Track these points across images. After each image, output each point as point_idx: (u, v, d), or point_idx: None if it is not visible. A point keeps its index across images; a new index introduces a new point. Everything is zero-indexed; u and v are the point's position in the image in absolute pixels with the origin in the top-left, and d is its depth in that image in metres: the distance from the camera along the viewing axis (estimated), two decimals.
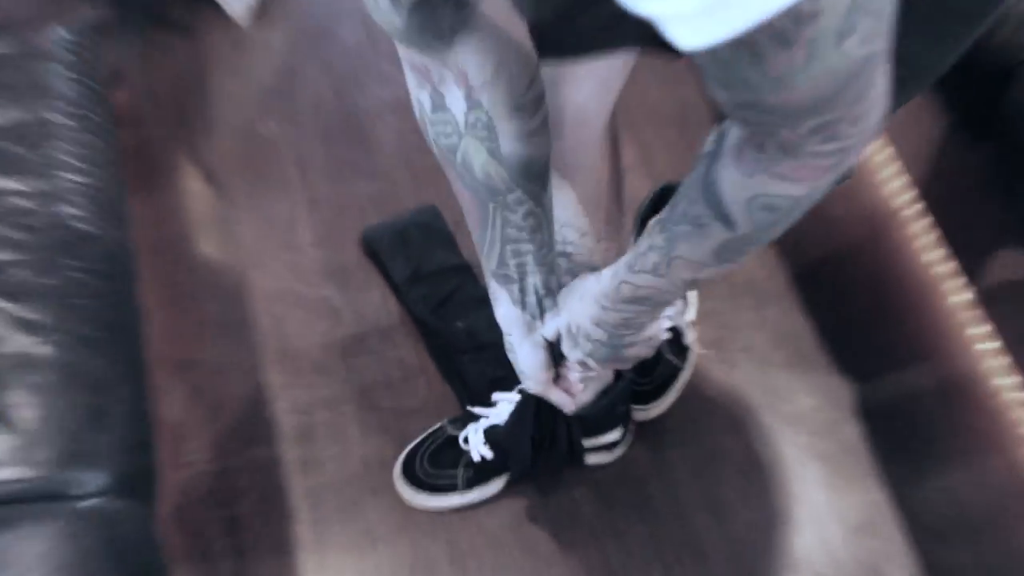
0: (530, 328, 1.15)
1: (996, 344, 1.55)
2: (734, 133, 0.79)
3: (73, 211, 1.02)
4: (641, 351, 1.11)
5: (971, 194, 1.39)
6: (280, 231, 1.77)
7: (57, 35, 1.14)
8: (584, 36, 1.14)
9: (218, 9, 1.98)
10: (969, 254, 1.52)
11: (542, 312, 1.14)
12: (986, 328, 1.58)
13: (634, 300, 1.01)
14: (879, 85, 0.69)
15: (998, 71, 1.31)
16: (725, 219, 0.85)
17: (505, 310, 1.15)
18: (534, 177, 1.05)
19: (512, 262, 1.10)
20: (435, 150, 1.06)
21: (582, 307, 1.07)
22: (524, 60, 0.97)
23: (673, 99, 1.91)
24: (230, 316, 1.68)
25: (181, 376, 1.60)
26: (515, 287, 1.12)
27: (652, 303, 1.02)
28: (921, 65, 1.05)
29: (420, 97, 1.01)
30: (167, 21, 2.00)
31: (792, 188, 0.79)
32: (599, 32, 1.13)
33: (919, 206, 1.66)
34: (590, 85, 1.19)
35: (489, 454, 1.46)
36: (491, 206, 1.06)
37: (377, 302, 1.69)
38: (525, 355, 1.16)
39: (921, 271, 1.72)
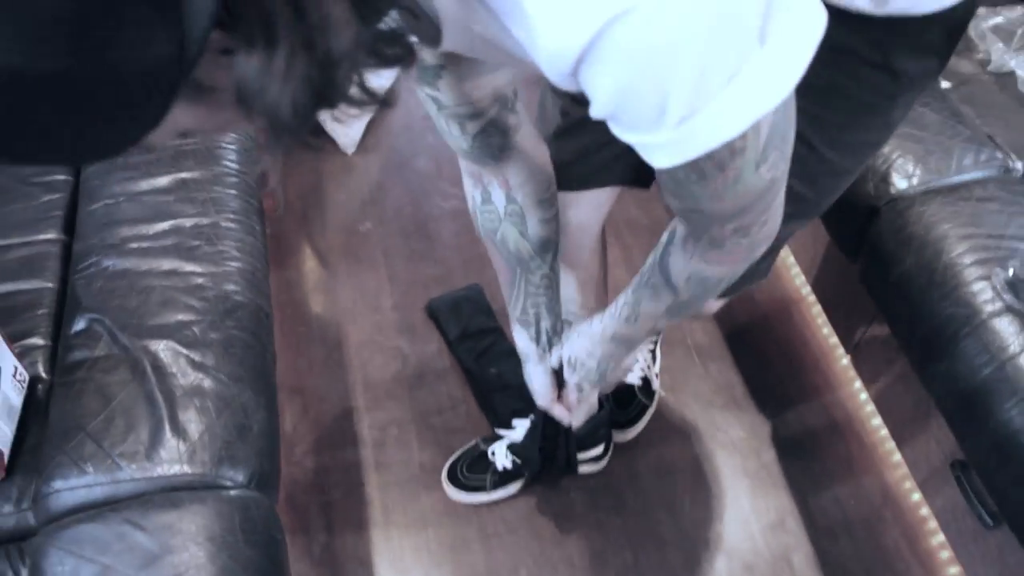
0: (541, 358, 1.14)
1: (865, 395, 1.54)
2: (680, 230, 0.79)
3: (233, 287, 1.03)
4: (619, 376, 1.08)
5: (848, 289, 1.39)
6: (369, 298, 1.76)
7: (230, 166, 1.16)
8: (590, 174, 1.16)
9: (334, 142, 2.01)
10: (847, 330, 1.52)
11: (550, 347, 1.13)
12: (858, 383, 1.58)
13: (614, 340, 0.99)
14: (780, 198, 0.69)
15: (865, 210, 1.31)
16: (672, 288, 0.85)
17: (523, 345, 1.14)
18: (549, 251, 1.07)
19: (531, 311, 1.11)
20: (481, 232, 1.07)
21: (580, 344, 1.05)
22: (546, 171, 1.00)
23: (647, 214, 1.92)
24: (331, 357, 1.67)
25: (294, 398, 1.60)
26: (532, 329, 1.13)
27: (626, 343, 0.99)
28: (822, 191, 1.03)
29: (474, 194, 1.03)
30: (303, 144, 2.02)
31: (717, 270, 0.79)
32: (600, 172, 1.15)
33: (814, 296, 1.66)
34: (588, 207, 1.19)
35: (510, 464, 1.45)
36: (518, 271, 1.07)
37: (434, 352, 1.68)
38: (537, 378, 1.15)
39: (817, 340, 1.72)
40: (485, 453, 1.50)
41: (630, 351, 1.03)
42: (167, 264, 1.04)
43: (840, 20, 0.85)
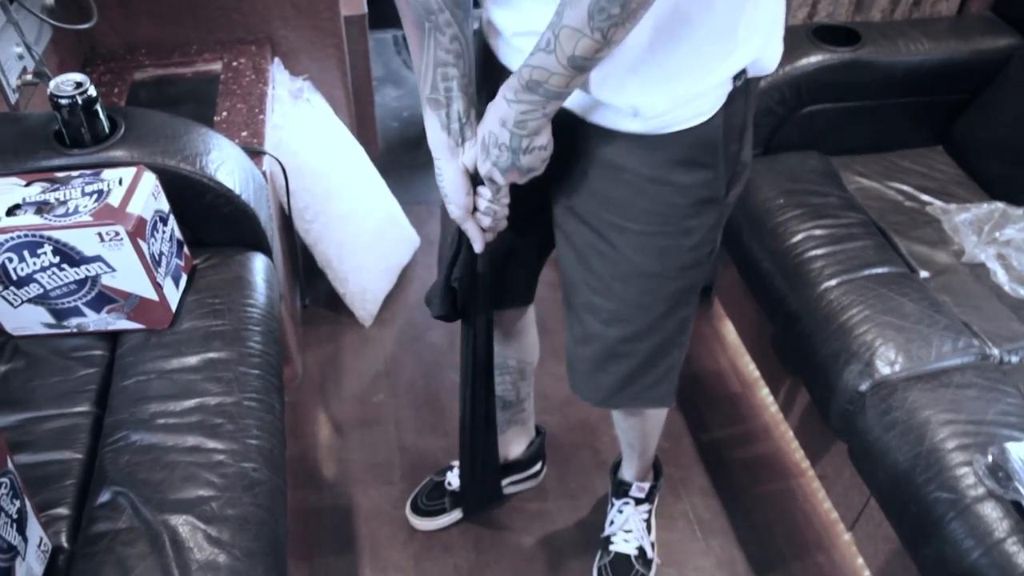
0: (453, 153, 1.03)
1: (868, 573, 1.53)
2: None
3: (252, 465, 1.07)
4: (534, 162, 0.98)
5: (845, 466, 1.41)
6: (379, 469, 1.79)
7: (254, 347, 1.23)
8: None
9: (352, 315, 2.10)
10: (847, 506, 1.52)
11: (463, 139, 1.02)
12: (860, 559, 1.57)
13: (529, 86, 0.89)
14: None
15: (852, 394, 1.36)
16: None
17: (434, 136, 1.03)
18: (460, 2, 0.95)
19: (441, 86, 0.98)
20: None
21: (493, 111, 0.95)
22: None
23: None
24: (340, 526, 1.68)
25: (301, 566, 1.61)
26: (443, 112, 1.00)
27: (543, 92, 0.89)
28: (640, 292, 1.10)
29: None
30: (323, 319, 2.11)
31: None
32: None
33: (814, 471, 1.68)
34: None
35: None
36: (427, 26, 0.95)
37: (441, 524, 1.69)
38: (449, 177, 1.04)
39: (819, 515, 1.72)
40: (440, 483, 1.69)
41: (545, 113, 0.93)
42: (191, 440, 1.09)
43: (614, 141, 0.98)
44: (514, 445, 1.71)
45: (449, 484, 1.69)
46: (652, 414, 1.44)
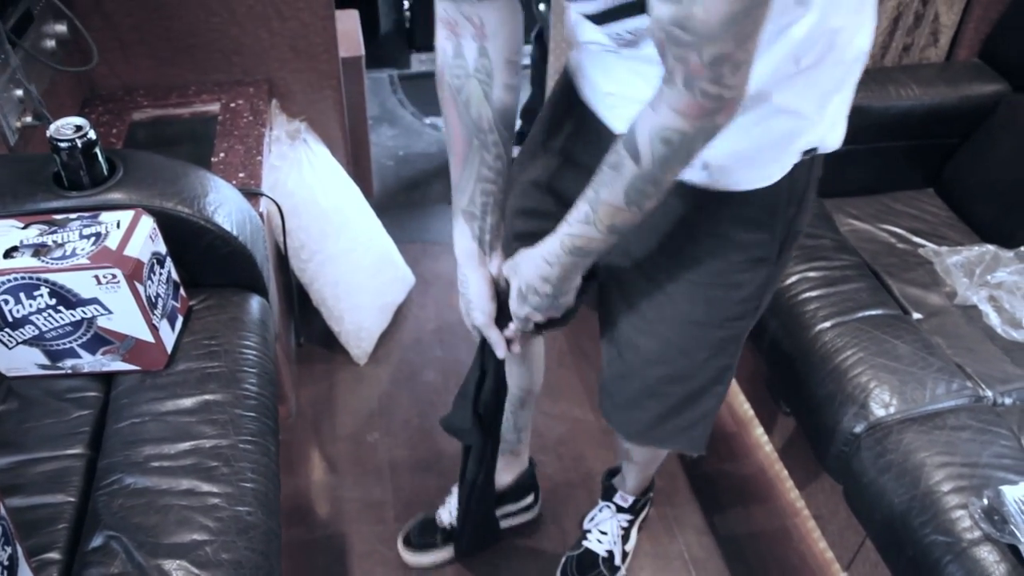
0: (482, 262, 1.08)
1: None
2: (649, 96, 0.80)
3: (247, 508, 1.06)
4: (569, 301, 1.05)
5: (840, 507, 1.41)
6: (373, 508, 1.78)
7: (250, 389, 1.23)
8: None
9: (346, 353, 2.09)
10: (842, 546, 1.52)
11: (491, 251, 1.08)
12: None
13: (572, 252, 0.95)
14: (756, 39, 0.72)
15: (847, 436, 1.36)
16: (635, 155, 0.82)
17: (464, 245, 1.08)
18: (508, 125, 1.03)
19: (479, 200, 1.05)
20: (446, 90, 1.02)
21: (531, 269, 1.01)
22: (518, 29, 0.99)
23: None
24: (333, 567, 1.67)
25: None
26: (476, 224, 1.06)
27: (584, 254, 0.95)
28: (691, 341, 1.13)
29: (445, 47, 1.00)
30: (318, 357, 2.11)
31: (682, 123, 0.78)
32: None
33: (808, 511, 1.67)
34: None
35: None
36: (475, 143, 1.02)
37: (434, 564, 1.68)
38: (475, 285, 1.09)
39: (814, 554, 1.71)
40: (432, 519, 1.68)
41: (584, 267, 0.99)
42: (186, 483, 1.08)
43: (680, 194, 1.01)
44: (505, 474, 1.70)
45: (441, 520, 1.68)
46: (659, 452, 1.48)
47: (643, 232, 1.07)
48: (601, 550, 1.64)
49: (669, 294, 1.09)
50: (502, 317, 1.12)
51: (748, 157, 0.96)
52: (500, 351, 1.15)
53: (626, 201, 0.86)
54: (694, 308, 1.10)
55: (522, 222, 1.20)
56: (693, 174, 0.98)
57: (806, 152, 0.98)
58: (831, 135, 0.99)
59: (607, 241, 0.93)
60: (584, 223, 0.91)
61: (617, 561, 1.64)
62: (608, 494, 1.68)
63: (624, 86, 0.99)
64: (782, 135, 0.95)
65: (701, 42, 0.71)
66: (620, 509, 1.66)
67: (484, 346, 1.17)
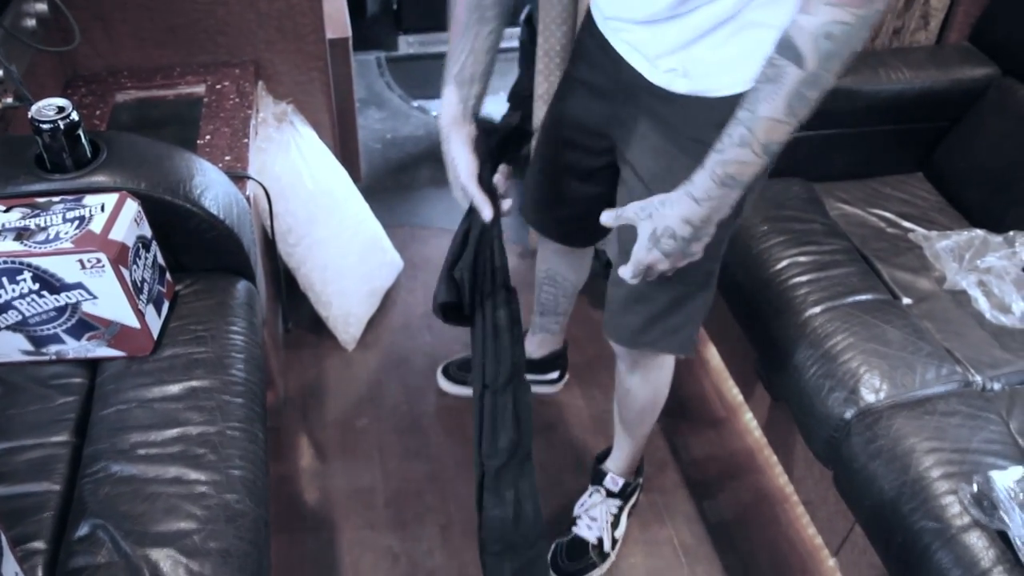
0: (465, 122, 1.16)
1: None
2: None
3: (235, 496, 1.05)
4: (700, 249, 1.05)
5: (829, 492, 1.41)
6: (362, 494, 1.77)
7: (238, 375, 1.21)
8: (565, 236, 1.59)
9: (334, 338, 2.08)
10: (831, 531, 1.52)
11: (474, 116, 1.17)
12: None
13: (724, 183, 0.95)
14: None
15: (836, 421, 1.36)
16: (796, 58, 0.84)
17: (450, 110, 1.16)
18: (503, 5, 1.13)
19: (469, 69, 1.14)
20: None
21: (672, 211, 1.01)
22: None
23: None
24: (322, 553, 1.66)
25: None
26: (464, 90, 1.15)
27: (737, 184, 0.95)
28: None
29: None
30: (306, 343, 2.10)
31: (844, 14, 0.80)
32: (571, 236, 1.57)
33: (797, 496, 1.68)
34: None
35: None
36: (475, 15, 1.11)
37: (425, 551, 1.67)
38: (458, 144, 1.15)
39: (803, 540, 1.72)
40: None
41: (732, 199, 0.99)
42: (173, 471, 1.07)
43: (670, 102, 1.10)
44: (537, 348, 1.90)
45: None
46: (655, 384, 1.49)
47: (640, 147, 1.18)
48: (591, 536, 1.64)
49: None
50: (486, 180, 1.16)
51: (725, 64, 1.02)
52: (486, 212, 1.14)
53: (787, 112, 0.87)
54: None
55: (570, 155, 1.35)
56: (675, 82, 1.07)
57: None
58: None
59: (761, 164, 0.93)
60: (739, 146, 0.91)
61: (607, 547, 1.64)
62: (598, 478, 1.68)
63: (622, 8, 1.10)
64: (756, 44, 0.94)
65: None
66: (610, 494, 1.66)
67: (470, 213, 1.18)
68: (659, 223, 1.03)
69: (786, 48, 0.84)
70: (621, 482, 1.66)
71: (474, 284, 1.19)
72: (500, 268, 1.18)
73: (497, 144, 1.18)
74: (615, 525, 1.67)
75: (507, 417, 1.18)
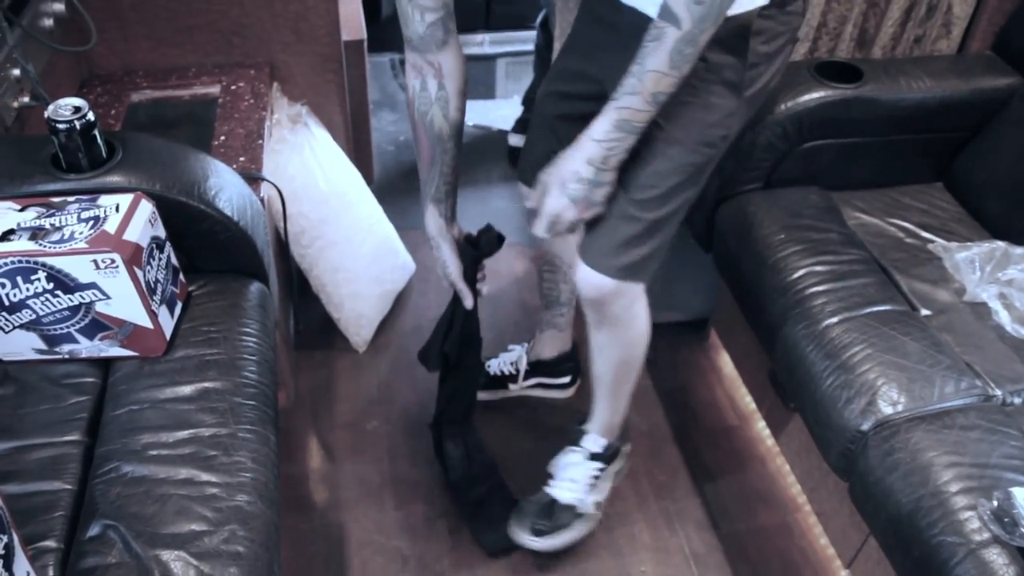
0: (448, 230, 1.45)
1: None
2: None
3: (247, 499, 1.04)
4: (602, 197, 1.23)
5: (844, 503, 1.40)
6: (372, 496, 1.77)
7: (250, 377, 1.21)
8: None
9: (346, 340, 2.08)
10: (845, 543, 1.51)
11: (452, 220, 1.46)
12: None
13: (619, 126, 1.13)
14: None
15: (853, 434, 1.35)
16: (674, 20, 1.01)
17: (433, 221, 1.44)
18: (459, 138, 1.36)
19: (443, 189, 1.41)
20: (416, 115, 1.34)
21: (578, 153, 1.18)
22: (463, 71, 1.31)
23: (646, 420, 1.95)
24: (331, 556, 1.66)
25: None
26: (441, 207, 1.43)
27: (630, 128, 1.13)
28: (663, 158, 1.24)
29: (414, 84, 1.32)
30: (317, 344, 2.09)
31: None
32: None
33: (811, 506, 1.66)
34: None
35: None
36: (438, 150, 1.36)
37: (434, 553, 1.67)
38: (446, 248, 1.45)
39: (815, 551, 1.71)
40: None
41: (629, 139, 1.15)
42: (184, 472, 1.07)
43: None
44: (546, 347, 1.91)
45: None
46: (624, 341, 1.45)
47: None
48: (569, 499, 1.60)
49: (655, 120, 1.18)
50: (468, 276, 1.49)
51: None
52: (468, 301, 1.51)
53: (670, 65, 1.05)
54: (674, 128, 1.21)
55: (563, 104, 1.46)
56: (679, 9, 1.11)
57: None
58: None
59: (649, 112, 1.11)
60: (631, 94, 1.09)
61: (586, 509, 1.62)
62: (577, 438, 1.62)
63: None
64: None
65: None
66: (593, 456, 1.61)
67: (455, 300, 1.53)
68: (565, 168, 1.20)
69: (666, 12, 1.01)
70: (603, 442, 1.60)
71: (458, 356, 1.61)
72: (477, 341, 1.63)
73: (475, 249, 1.48)
74: (595, 489, 1.62)
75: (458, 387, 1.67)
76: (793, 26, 1.24)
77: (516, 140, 2.70)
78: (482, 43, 3.32)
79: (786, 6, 1.20)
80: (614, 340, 1.46)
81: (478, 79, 3.12)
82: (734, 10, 1.11)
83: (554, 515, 1.61)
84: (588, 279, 1.33)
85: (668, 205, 1.27)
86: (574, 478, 1.61)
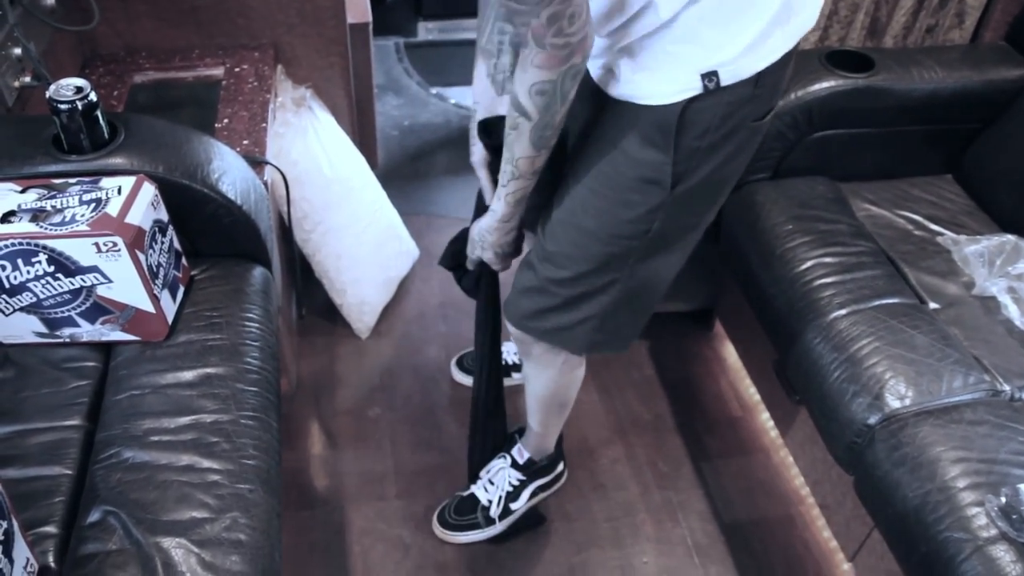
0: (493, 101, 1.27)
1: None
2: (514, 57, 1.08)
3: (248, 486, 1.04)
4: (490, 255, 1.29)
5: (848, 496, 1.39)
6: (373, 484, 1.76)
7: (252, 363, 1.20)
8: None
9: (348, 326, 2.07)
10: (848, 536, 1.50)
11: (503, 91, 1.25)
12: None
13: (515, 203, 1.16)
14: (583, 3, 0.88)
15: (860, 427, 1.34)
16: (524, 112, 1.00)
17: (479, 84, 1.27)
18: None
19: (496, 38, 1.22)
20: None
21: (487, 223, 1.23)
22: None
23: (649, 410, 1.95)
24: (332, 543, 1.66)
25: None
26: (492, 61, 1.24)
27: (522, 199, 1.16)
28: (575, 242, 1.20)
29: None
30: (319, 330, 2.08)
31: (547, 74, 0.94)
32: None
33: (814, 499, 1.66)
34: None
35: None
36: None
37: (436, 544, 1.67)
38: (478, 149, 1.29)
39: (818, 543, 1.70)
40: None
41: (519, 213, 1.20)
42: (186, 459, 1.06)
43: (592, 99, 1.13)
44: None
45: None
46: (546, 380, 1.45)
47: (579, 139, 1.20)
48: (483, 498, 1.65)
49: (572, 198, 1.17)
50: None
51: (645, 67, 1.03)
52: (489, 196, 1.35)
53: (534, 148, 1.05)
54: (585, 217, 1.16)
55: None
56: (607, 81, 1.10)
57: (706, 76, 0.99)
58: (735, 64, 1.00)
59: (535, 181, 1.13)
60: (514, 179, 1.12)
61: (493, 513, 1.64)
62: (509, 444, 1.68)
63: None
64: (676, 51, 1.00)
65: (535, 8, 0.87)
66: (515, 464, 1.65)
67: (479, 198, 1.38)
68: (474, 230, 1.29)
69: (515, 105, 1.01)
70: (526, 456, 1.65)
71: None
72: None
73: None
74: (512, 497, 1.65)
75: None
76: (750, 102, 1.04)
77: None
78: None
79: (729, 90, 1.01)
80: (538, 375, 1.47)
81: (471, 64, 3.09)
82: (652, 100, 1.03)
83: (468, 512, 1.66)
84: (511, 327, 1.37)
85: (581, 287, 1.22)
86: (493, 481, 1.66)
